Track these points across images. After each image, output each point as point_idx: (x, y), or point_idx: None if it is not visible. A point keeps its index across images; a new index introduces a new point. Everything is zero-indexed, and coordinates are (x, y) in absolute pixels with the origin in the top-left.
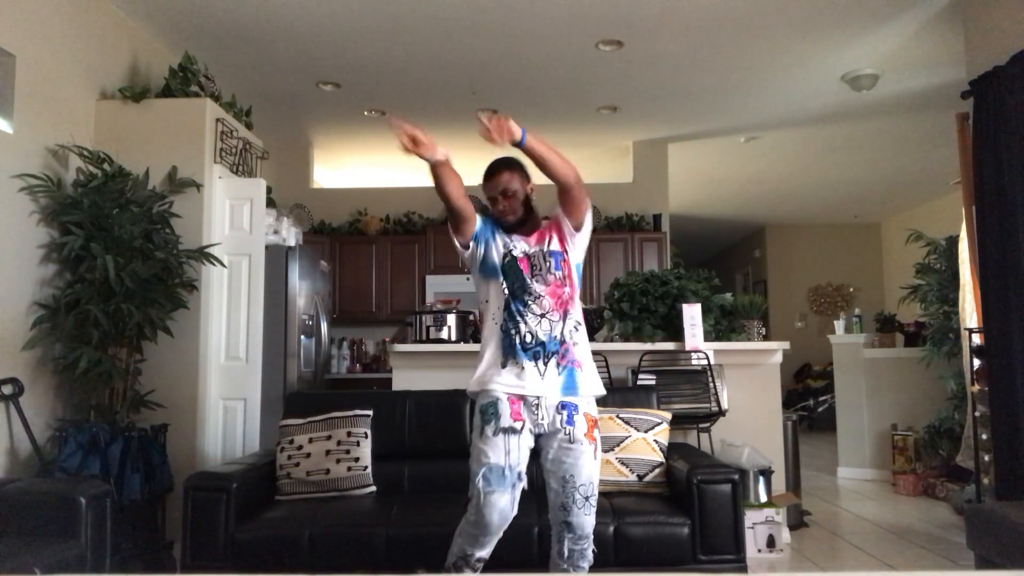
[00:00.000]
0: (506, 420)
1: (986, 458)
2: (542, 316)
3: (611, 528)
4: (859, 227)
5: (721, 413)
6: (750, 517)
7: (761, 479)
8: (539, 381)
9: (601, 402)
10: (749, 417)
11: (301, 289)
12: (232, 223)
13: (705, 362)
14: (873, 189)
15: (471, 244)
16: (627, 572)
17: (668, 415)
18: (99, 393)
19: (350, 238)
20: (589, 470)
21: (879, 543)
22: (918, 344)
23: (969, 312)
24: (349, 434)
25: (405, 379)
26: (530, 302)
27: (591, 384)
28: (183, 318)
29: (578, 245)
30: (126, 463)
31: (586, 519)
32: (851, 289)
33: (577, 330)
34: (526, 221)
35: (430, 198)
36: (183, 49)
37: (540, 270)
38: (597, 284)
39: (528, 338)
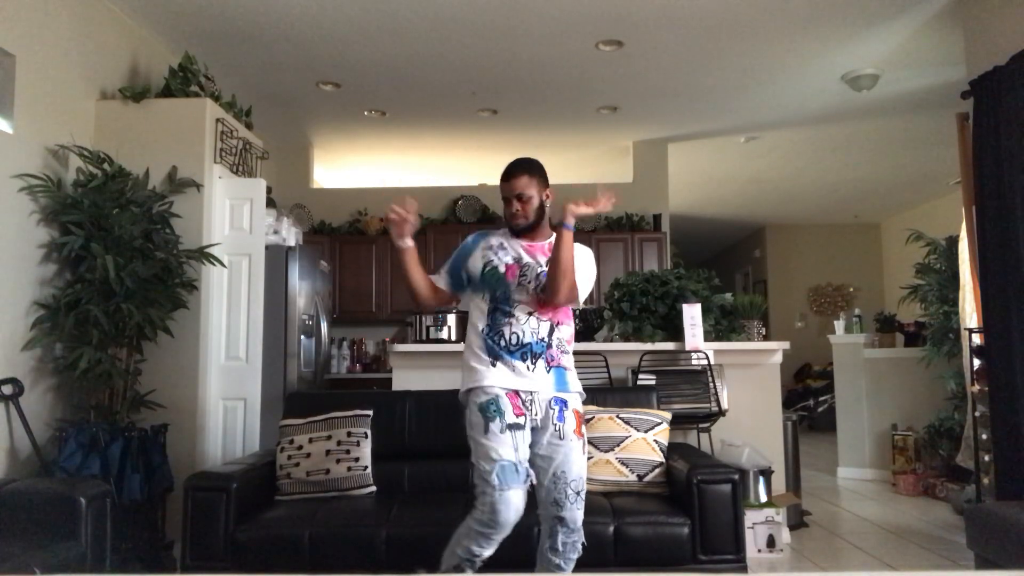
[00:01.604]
0: (511, 416)
1: (986, 458)
2: (529, 315)
3: (611, 528)
4: (859, 227)
5: (721, 413)
6: (750, 517)
7: (761, 479)
8: (531, 377)
9: (601, 402)
10: (749, 417)
11: (301, 289)
12: (232, 223)
13: (705, 362)
14: (873, 189)
15: (458, 294)
16: (627, 572)
17: (668, 415)
18: (99, 393)
19: (350, 238)
20: (579, 465)
21: (879, 543)
22: (918, 344)
23: (969, 312)
24: (349, 434)
25: (405, 379)
26: (514, 308)
27: (578, 384)
28: (183, 318)
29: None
30: (126, 463)
31: (578, 513)
32: (851, 289)
33: (567, 346)
34: (536, 226)
35: (430, 198)
36: (183, 49)
37: (527, 280)
38: (597, 284)
39: (513, 340)
